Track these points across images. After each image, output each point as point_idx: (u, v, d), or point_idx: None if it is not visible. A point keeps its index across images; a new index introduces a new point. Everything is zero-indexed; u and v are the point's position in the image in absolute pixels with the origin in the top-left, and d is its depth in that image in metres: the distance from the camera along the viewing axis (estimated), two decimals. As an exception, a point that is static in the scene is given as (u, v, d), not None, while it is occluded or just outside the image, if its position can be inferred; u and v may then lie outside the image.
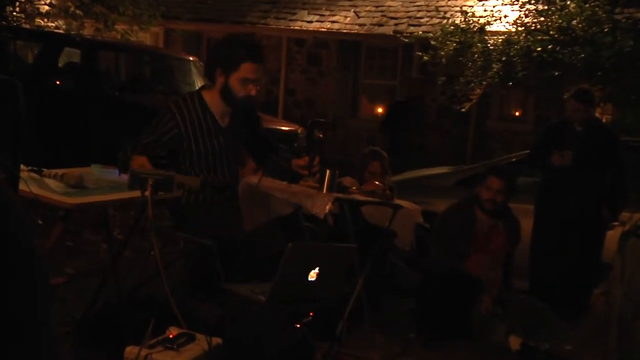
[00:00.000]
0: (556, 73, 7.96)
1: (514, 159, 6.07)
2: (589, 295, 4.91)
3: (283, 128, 8.19)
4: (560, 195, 4.80)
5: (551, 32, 8.10)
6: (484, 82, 8.79)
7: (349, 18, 11.88)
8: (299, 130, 8.42)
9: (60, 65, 7.98)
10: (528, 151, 5.21)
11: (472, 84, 8.87)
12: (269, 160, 3.40)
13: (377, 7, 11.99)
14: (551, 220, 4.83)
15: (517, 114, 11.61)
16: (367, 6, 12.08)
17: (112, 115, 7.42)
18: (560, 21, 8.07)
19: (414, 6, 11.73)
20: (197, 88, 3.42)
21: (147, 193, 2.68)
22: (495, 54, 8.63)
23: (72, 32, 9.98)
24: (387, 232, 3.86)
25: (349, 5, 12.20)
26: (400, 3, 11.88)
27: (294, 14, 12.33)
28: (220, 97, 3.22)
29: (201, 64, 9.27)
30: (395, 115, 11.00)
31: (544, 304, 4.26)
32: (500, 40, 8.71)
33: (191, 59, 9.00)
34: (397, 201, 3.69)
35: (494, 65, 8.56)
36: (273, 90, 12.36)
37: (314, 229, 3.46)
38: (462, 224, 4.20)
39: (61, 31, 10.17)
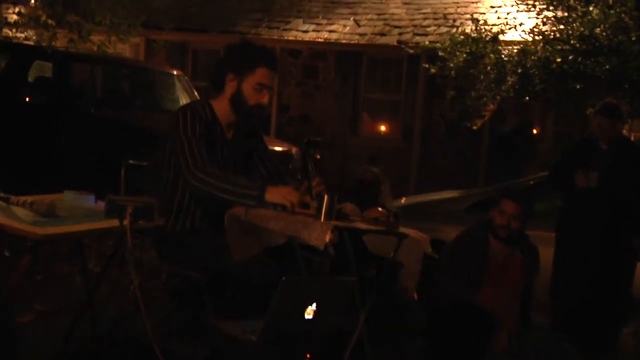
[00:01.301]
0: (578, 86, 8.01)
1: (531, 182, 6.10)
2: (617, 333, 4.91)
3: (276, 148, 8.21)
4: (585, 220, 4.81)
5: (572, 41, 8.16)
6: (498, 97, 8.85)
7: (348, 27, 11.98)
8: (294, 151, 8.44)
9: (30, 79, 8.02)
10: (548, 172, 5.23)
11: (485, 99, 8.93)
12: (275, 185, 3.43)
13: (379, 14, 12.09)
14: (574, 248, 4.83)
15: (534, 131, 11.66)
16: (368, 14, 12.18)
17: (88, 135, 7.44)
18: (582, 29, 8.12)
19: (419, 14, 11.83)
20: (181, 104, 3.46)
21: (125, 222, 2.69)
22: (510, 65, 8.69)
23: (43, 44, 10.04)
24: (391, 264, 3.86)
25: (349, 13, 12.31)
26: (405, 10, 11.99)
27: (288, 22, 12.43)
28: (230, 104, 3.31)
29: (186, 78, 9.32)
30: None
31: (567, 341, 4.25)
32: (515, 50, 8.78)
33: (175, 72, 9.04)
34: (403, 229, 3.69)
35: (509, 78, 8.62)
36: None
37: (312, 259, 3.46)
38: (474, 253, 4.20)
39: (31, 42, 10.24)
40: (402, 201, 6.74)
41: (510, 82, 8.60)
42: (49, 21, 10.28)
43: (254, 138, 3.53)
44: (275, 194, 3.12)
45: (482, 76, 8.95)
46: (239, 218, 3.11)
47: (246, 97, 3.28)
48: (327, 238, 2.96)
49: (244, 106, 3.29)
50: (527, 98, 8.71)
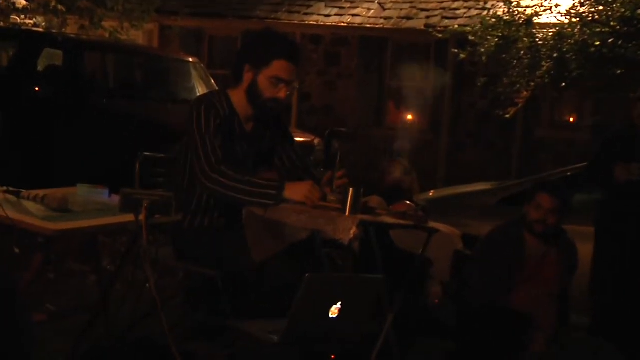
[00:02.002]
0: (618, 71, 7.92)
1: (569, 173, 6.05)
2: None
3: (297, 139, 8.20)
4: (626, 215, 4.76)
5: (612, 23, 8.06)
6: (532, 84, 8.78)
7: (372, 11, 11.95)
8: (316, 142, 8.45)
9: (39, 69, 8.09)
10: (586, 164, 5.19)
11: (518, 86, 8.87)
12: (300, 179, 3.43)
13: (405, -3, 12.04)
14: (615, 244, 4.79)
15: (571, 120, 11.56)
16: (393, -4, 12.13)
17: (100, 127, 7.50)
18: (623, 10, 8.03)
19: (448, -5, 11.77)
20: (198, 94, 3.48)
21: (141, 217, 2.70)
22: (545, 50, 8.62)
23: (53, 31, 10.11)
24: (420, 260, 3.85)
25: (373, -4, 12.26)
26: (433, -8, 11.92)
27: (309, 6, 12.42)
28: (246, 97, 3.31)
29: (202, 66, 9.35)
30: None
31: (609, 344, 4.22)
32: (550, 33, 8.70)
33: (191, 60, 9.08)
34: (432, 224, 3.69)
35: (544, 63, 8.55)
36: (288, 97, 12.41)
37: (335, 256, 3.47)
38: (508, 249, 4.18)
39: (40, 29, 10.31)
40: (430, 194, 6.72)
41: (545, 68, 8.53)
42: (59, 7, 10.34)
43: (278, 130, 3.52)
44: (294, 192, 3.12)
45: (515, 62, 8.88)
46: (258, 215, 3.12)
47: (261, 89, 3.28)
48: (353, 233, 2.97)
49: (258, 99, 3.30)
50: (564, 85, 8.64)
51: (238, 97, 3.34)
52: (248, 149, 3.37)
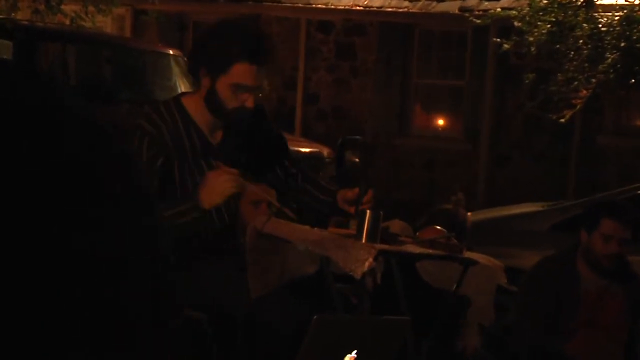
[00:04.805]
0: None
1: (639, 192, 6.08)
2: None
3: (302, 149, 8.27)
4: None
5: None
6: (593, 80, 8.81)
7: (395, -9, 12.01)
8: (325, 153, 8.48)
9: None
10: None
11: (576, 83, 8.90)
12: (304, 192, 3.46)
13: (435, -26, 12.11)
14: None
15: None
16: (421, -27, 12.20)
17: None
18: None
19: (488, -28, 11.83)
20: (143, 112, 3.48)
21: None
22: (609, 38, 8.65)
23: (1, 17, 10.19)
24: (454, 298, 3.89)
25: (396, -27, 12.33)
26: (470, -32, 11.99)
27: (317, -14, 12.49)
28: (206, 106, 3.29)
29: (185, 59, 9.42)
30: None
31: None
32: (616, 18, 8.74)
33: (171, 52, 9.15)
34: (468, 254, 3.72)
35: (608, 55, 8.58)
36: (287, 97, 12.49)
37: (350, 293, 3.50)
38: (561, 286, 4.20)
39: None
40: (468, 217, 6.75)
41: (609, 61, 8.56)
42: (8, -13, 10.43)
43: (257, 131, 3.49)
44: (209, 191, 3.08)
45: (571, 53, 8.92)
46: (259, 232, 3.15)
47: (222, 99, 3.24)
48: (368, 265, 3.00)
49: (220, 111, 3.27)
50: (632, 81, 8.66)
51: (195, 105, 3.32)
52: (220, 164, 3.36)
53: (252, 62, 3.21)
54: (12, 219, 0.58)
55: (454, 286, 3.80)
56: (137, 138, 3.20)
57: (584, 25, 8.82)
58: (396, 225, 3.97)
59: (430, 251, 3.51)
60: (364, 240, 3.17)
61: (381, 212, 3.31)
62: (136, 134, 3.21)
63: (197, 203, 3.07)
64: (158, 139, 3.22)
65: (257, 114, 3.45)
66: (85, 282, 0.57)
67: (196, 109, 3.31)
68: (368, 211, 3.22)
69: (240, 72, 3.20)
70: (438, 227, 3.92)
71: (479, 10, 10.70)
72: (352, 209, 3.33)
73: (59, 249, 0.56)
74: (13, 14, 10.42)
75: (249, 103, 3.25)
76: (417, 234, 4.01)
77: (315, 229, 3.21)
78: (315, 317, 2.65)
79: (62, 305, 0.56)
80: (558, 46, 9.05)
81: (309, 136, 11.01)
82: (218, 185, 3.08)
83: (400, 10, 11.74)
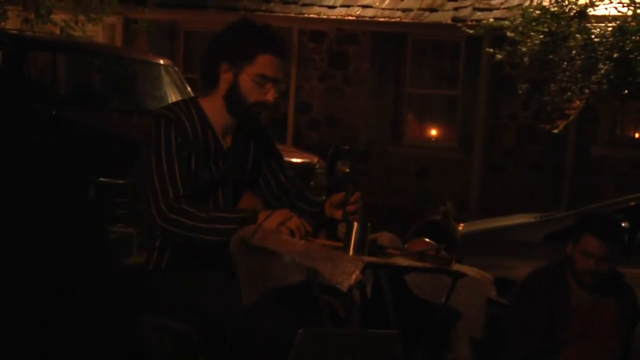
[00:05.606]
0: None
1: (632, 203, 6.06)
2: None
3: (293, 160, 8.26)
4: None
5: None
6: (587, 90, 8.81)
7: (388, 1, 12.03)
8: (316, 163, 8.47)
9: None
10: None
11: (569, 93, 8.90)
12: (296, 209, 3.46)
13: (428, -17, 12.12)
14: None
15: (636, 135, 11.59)
16: (414, -18, 12.21)
17: (47, 144, 7.52)
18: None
19: (482, -19, 11.84)
20: (164, 106, 3.51)
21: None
22: (602, 49, 8.66)
23: (-10, 26, 10.19)
24: (444, 311, 3.87)
25: (388, -18, 12.34)
26: (463, -23, 12.01)
27: (309, -5, 12.50)
28: (225, 103, 3.34)
29: (176, 69, 9.42)
30: None
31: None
32: (609, 28, 8.74)
33: (161, 62, 9.14)
34: (458, 266, 3.71)
35: (602, 66, 8.59)
36: (279, 105, 12.49)
37: (338, 306, 3.48)
38: (552, 298, 4.19)
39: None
40: (460, 228, 6.73)
41: (603, 71, 8.57)
42: (-3, -4, 10.44)
43: (262, 143, 3.55)
44: (270, 224, 3.18)
45: (565, 64, 8.93)
46: (247, 241, 3.14)
47: (244, 92, 3.30)
48: (355, 277, 2.98)
49: (241, 104, 3.32)
50: (626, 91, 8.67)
51: (213, 106, 3.36)
52: (226, 167, 3.39)
53: (276, 54, 3.31)
54: None
55: (444, 299, 3.79)
56: (164, 126, 3.25)
57: (577, 35, 8.84)
58: (385, 238, 3.94)
59: (419, 264, 3.49)
60: (351, 253, 3.15)
61: (369, 224, 3.29)
62: (161, 122, 3.26)
63: (251, 220, 3.18)
64: (182, 130, 3.27)
65: (261, 128, 3.55)
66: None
67: (213, 110, 3.36)
68: (355, 223, 3.20)
69: (265, 62, 3.29)
70: (427, 240, 3.90)
71: (471, 21, 10.71)
72: (339, 213, 3.33)
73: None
74: (2, 23, 10.43)
75: (270, 96, 3.32)
76: (406, 245, 3.98)
77: (303, 240, 3.19)
78: (301, 330, 2.63)
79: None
80: (551, 56, 9.06)
81: (301, 145, 11.00)
82: (280, 220, 3.20)
83: (393, 20, 11.75)
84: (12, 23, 10.65)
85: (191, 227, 3.14)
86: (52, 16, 10.55)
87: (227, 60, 3.31)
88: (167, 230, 3.16)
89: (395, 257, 3.46)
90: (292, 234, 3.17)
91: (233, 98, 3.32)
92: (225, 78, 3.32)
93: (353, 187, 3.38)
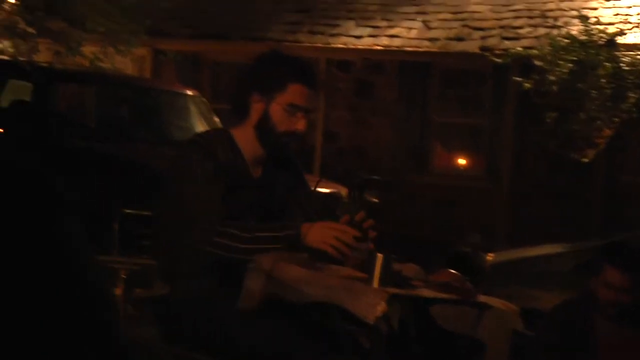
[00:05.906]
0: None
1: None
2: None
3: (320, 189, 8.25)
4: None
5: None
6: (616, 119, 8.80)
7: (414, 30, 12.06)
8: (343, 193, 8.48)
9: (3, 104, 8.24)
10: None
11: (599, 122, 8.88)
12: None
13: (455, 13, 12.15)
14: None
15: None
16: (440, 12, 12.25)
17: (77, 174, 7.58)
18: None
19: (509, 11, 11.86)
20: (196, 133, 3.57)
21: (117, 291, 2.75)
22: (632, 77, 8.65)
23: (21, 58, 10.31)
24: (469, 343, 3.84)
25: (415, 13, 12.39)
26: (489, 7, 12.03)
27: (336, 26, 12.56)
28: (256, 134, 3.37)
29: (203, 99, 9.48)
30: None
31: None
32: (639, 57, 8.73)
33: (189, 93, 9.22)
34: (483, 298, 3.69)
35: (630, 94, 8.59)
36: (307, 135, 12.51)
37: (360, 336, 3.46)
38: (575, 331, 4.15)
39: (5, 57, 10.52)
40: (490, 258, 6.72)
41: (632, 100, 8.55)
42: (28, 29, 10.55)
43: (289, 173, 3.58)
44: (311, 236, 3.17)
45: (594, 92, 8.91)
46: (267, 272, 3.13)
47: (275, 122, 3.34)
48: (380, 310, 2.97)
49: (272, 134, 3.35)
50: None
51: (245, 137, 3.40)
52: (255, 199, 3.41)
53: (306, 84, 3.36)
54: None
55: (469, 330, 3.76)
56: (199, 151, 3.30)
57: (606, 64, 8.84)
58: (410, 269, 3.93)
59: (444, 295, 3.48)
60: (375, 284, 3.14)
61: (393, 255, 3.28)
62: (195, 147, 3.34)
63: (297, 232, 3.19)
64: (215, 155, 3.31)
65: (289, 158, 3.59)
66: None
67: (244, 140, 3.40)
68: (379, 254, 3.20)
69: (296, 91, 3.33)
70: (452, 271, 3.87)
71: (499, 50, 10.72)
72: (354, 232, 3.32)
73: None
74: (33, 56, 10.55)
75: (300, 126, 3.36)
76: (432, 277, 3.97)
77: (325, 274, 3.19)
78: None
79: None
80: (580, 85, 9.06)
81: (328, 174, 11.01)
82: (324, 232, 3.20)
83: (420, 49, 11.77)
84: (43, 56, 10.77)
85: (235, 249, 3.15)
86: (81, 49, 10.65)
87: (258, 91, 3.36)
88: (211, 254, 3.17)
89: (420, 289, 3.45)
90: (337, 250, 3.17)
91: (264, 128, 3.36)
92: (257, 108, 3.36)
93: (357, 207, 3.38)
